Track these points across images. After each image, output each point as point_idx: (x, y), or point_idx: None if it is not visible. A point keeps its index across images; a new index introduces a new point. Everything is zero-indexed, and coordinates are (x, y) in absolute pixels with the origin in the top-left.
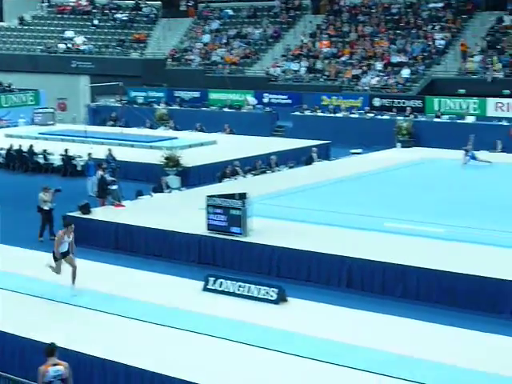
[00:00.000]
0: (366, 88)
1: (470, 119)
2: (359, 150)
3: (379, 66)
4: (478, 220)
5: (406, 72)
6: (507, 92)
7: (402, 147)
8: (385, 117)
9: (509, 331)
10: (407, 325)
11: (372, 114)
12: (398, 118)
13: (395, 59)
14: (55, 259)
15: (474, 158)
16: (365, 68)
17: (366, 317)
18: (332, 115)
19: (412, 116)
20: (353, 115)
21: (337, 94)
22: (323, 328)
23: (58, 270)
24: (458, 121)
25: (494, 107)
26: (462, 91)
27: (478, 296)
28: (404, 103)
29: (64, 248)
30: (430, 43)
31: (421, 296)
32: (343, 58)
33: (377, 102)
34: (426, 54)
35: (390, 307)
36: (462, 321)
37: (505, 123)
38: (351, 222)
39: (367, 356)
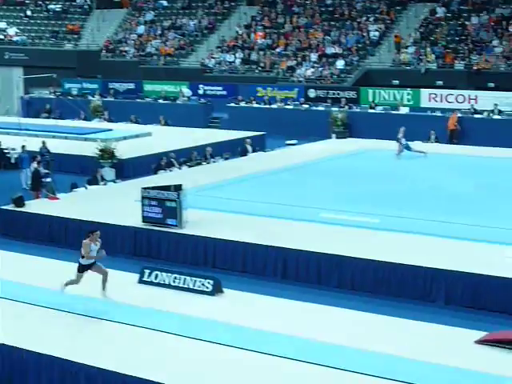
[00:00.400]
0: (301, 79)
1: (403, 110)
2: (294, 142)
3: (314, 57)
4: (412, 210)
5: (340, 63)
6: (440, 83)
7: (337, 138)
8: (320, 108)
9: (443, 319)
10: (343, 315)
11: (307, 106)
12: (333, 109)
13: (330, 50)
14: (79, 270)
15: (408, 148)
16: (300, 59)
17: (301, 307)
18: (267, 106)
19: (347, 107)
20: (288, 106)
21: (272, 85)
22: (259, 319)
23: (77, 281)
24: (392, 112)
25: (428, 98)
26: (395, 82)
27: (412, 285)
28: (339, 94)
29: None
30: (365, 34)
31: (356, 286)
32: (278, 50)
33: (312, 93)
34: (360, 46)
35: (326, 297)
36: (397, 310)
37: (438, 114)
38: (286, 212)
39: (303, 346)
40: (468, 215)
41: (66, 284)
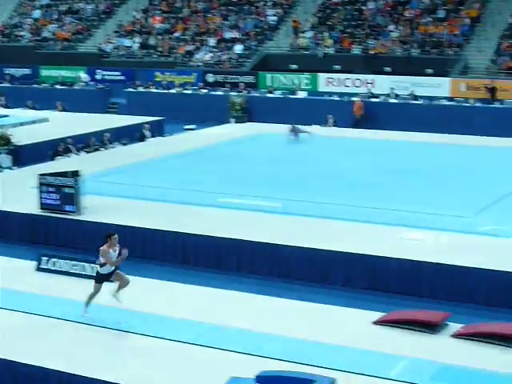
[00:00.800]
0: (200, 64)
1: (301, 94)
2: (193, 126)
3: (212, 41)
4: (311, 193)
5: (238, 48)
6: (338, 67)
7: (236, 123)
8: (218, 93)
9: (341, 301)
10: (243, 298)
11: (205, 90)
12: (232, 93)
13: (228, 35)
14: (97, 281)
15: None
16: (198, 44)
17: (202, 292)
18: (165, 91)
19: (245, 92)
20: (186, 91)
21: (170, 70)
22: (159, 304)
23: (97, 290)
24: (291, 96)
25: (325, 82)
26: (294, 67)
27: (310, 267)
28: (237, 79)
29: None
30: (262, 19)
31: (255, 269)
32: (176, 34)
33: (210, 77)
34: (258, 30)
35: (226, 282)
36: (295, 292)
37: (336, 98)
38: (186, 197)
39: (204, 330)
40: (367, 198)
41: (88, 300)
